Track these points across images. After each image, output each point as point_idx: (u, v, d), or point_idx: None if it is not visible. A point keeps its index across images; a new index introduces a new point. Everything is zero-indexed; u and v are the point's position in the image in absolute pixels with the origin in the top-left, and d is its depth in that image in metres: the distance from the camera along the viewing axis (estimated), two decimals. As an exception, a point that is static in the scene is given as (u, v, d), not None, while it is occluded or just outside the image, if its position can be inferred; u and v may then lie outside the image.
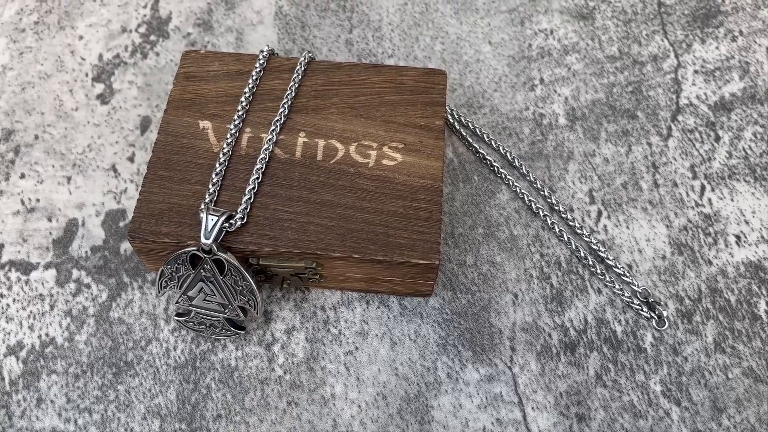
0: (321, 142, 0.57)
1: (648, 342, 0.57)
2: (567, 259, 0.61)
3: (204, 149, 0.57)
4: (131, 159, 0.65)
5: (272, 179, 0.56)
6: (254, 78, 0.60)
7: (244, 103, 0.58)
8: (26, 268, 0.59)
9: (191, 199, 0.55)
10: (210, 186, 0.54)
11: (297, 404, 0.54)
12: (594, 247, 0.60)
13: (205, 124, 0.58)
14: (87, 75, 0.69)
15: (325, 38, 0.72)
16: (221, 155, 0.56)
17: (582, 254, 0.60)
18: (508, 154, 0.65)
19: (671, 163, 0.65)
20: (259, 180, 0.55)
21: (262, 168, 0.55)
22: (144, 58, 0.70)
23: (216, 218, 0.52)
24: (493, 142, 0.65)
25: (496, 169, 0.64)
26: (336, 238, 0.53)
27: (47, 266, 0.59)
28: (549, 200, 0.63)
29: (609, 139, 0.67)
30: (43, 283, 0.59)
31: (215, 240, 0.52)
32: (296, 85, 0.60)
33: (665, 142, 0.67)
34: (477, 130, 0.66)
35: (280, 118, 0.58)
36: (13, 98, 0.68)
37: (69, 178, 0.63)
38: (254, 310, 0.54)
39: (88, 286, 0.59)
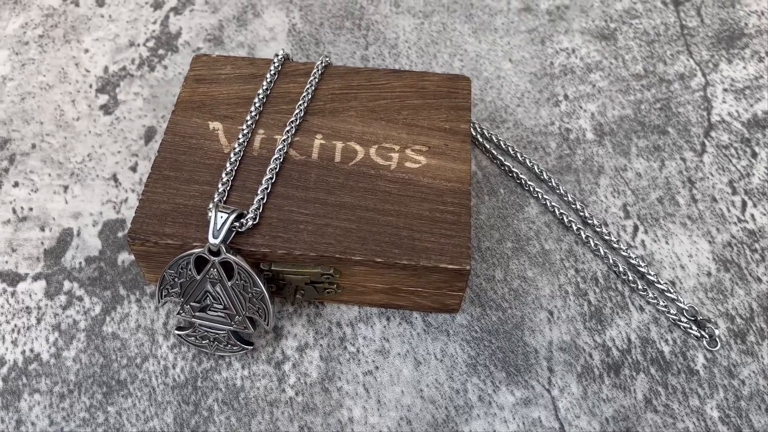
0: (339, 144, 0.53)
1: (700, 363, 0.51)
2: (604, 274, 0.56)
3: (214, 150, 0.53)
4: (133, 168, 0.60)
5: (287, 180, 0.51)
6: (268, 81, 0.56)
7: (257, 105, 0.55)
8: (13, 279, 0.54)
9: (198, 200, 0.50)
10: (220, 185, 0.50)
11: (310, 429, 0.48)
12: (633, 262, 0.56)
13: (215, 125, 0.54)
14: (91, 86, 0.66)
15: (340, 54, 0.70)
16: (232, 155, 0.52)
17: (621, 269, 0.55)
18: (535, 167, 0.61)
19: (708, 178, 0.62)
20: (273, 180, 0.51)
21: (275, 168, 0.51)
22: (151, 71, 0.67)
23: (226, 216, 0.47)
24: (519, 155, 0.62)
25: (523, 182, 0.60)
26: (356, 242, 0.48)
27: (36, 277, 0.54)
28: (581, 214, 0.59)
29: (640, 154, 0.63)
30: (30, 295, 0.53)
31: (224, 240, 0.47)
32: (313, 88, 0.56)
33: (700, 158, 0.63)
34: (501, 143, 0.62)
35: (296, 120, 0.54)
36: (11, 107, 0.64)
37: (66, 187, 0.59)
38: (264, 321, 0.48)
39: (80, 299, 0.53)
